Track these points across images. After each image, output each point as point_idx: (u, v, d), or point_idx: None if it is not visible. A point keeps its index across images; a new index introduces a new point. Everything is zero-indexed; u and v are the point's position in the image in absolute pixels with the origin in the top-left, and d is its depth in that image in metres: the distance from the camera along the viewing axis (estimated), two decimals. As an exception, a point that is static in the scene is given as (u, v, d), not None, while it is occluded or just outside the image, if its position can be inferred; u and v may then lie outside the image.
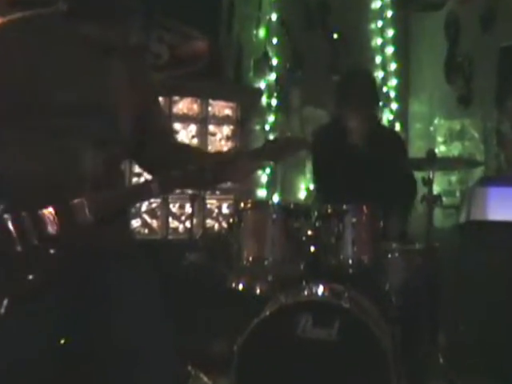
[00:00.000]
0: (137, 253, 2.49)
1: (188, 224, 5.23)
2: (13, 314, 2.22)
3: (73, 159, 2.31)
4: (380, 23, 6.57)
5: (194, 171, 2.43)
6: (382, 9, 6.58)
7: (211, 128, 5.98)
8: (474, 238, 3.47)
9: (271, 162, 4.58)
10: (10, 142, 2.31)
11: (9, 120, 2.29)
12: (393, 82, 6.46)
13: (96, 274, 2.38)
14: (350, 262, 3.96)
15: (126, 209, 2.54)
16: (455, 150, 6.26)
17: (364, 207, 4.01)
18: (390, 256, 4.15)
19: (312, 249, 3.97)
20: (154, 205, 5.62)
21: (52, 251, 2.25)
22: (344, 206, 3.97)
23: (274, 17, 5.99)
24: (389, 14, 6.58)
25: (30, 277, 2.23)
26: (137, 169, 5.50)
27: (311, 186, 5.67)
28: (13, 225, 2.23)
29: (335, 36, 6.26)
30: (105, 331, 2.38)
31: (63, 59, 2.32)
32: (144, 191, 2.41)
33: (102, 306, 2.38)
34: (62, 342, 2.41)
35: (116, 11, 2.38)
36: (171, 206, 5.74)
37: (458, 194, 5.99)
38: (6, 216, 2.23)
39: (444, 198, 4.72)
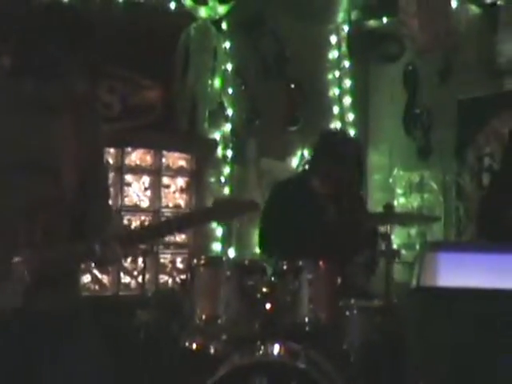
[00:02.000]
0: (81, 316, 2.41)
1: (140, 280, 5.12)
2: None
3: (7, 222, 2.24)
4: (337, 73, 6.54)
5: (139, 232, 2.43)
6: (339, 59, 6.55)
7: (165, 180, 5.88)
8: (424, 304, 3.47)
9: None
10: None
11: None
12: (351, 132, 6.40)
13: (30, 344, 2.29)
14: (307, 320, 3.88)
15: (71, 269, 2.44)
16: (414, 202, 6.24)
17: (320, 263, 3.94)
18: (348, 313, 4.06)
19: (267, 306, 3.88)
20: (105, 259, 5.46)
21: None
22: (300, 263, 3.89)
23: (229, 67, 5.93)
24: (346, 64, 6.55)
25: None
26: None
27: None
28: None
29: (292, 86, 6.22)
30: None
31: (4, 119, 2.30)
32: (86, 252, 2.33)
33: (35, 377, 2.29)
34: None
35: (60, 66, 2.33)
36: (123, 260, 5.58)
37: (417, 247, 5.95)
38: None
39: (403, 252, 4.67)
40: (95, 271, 5.45)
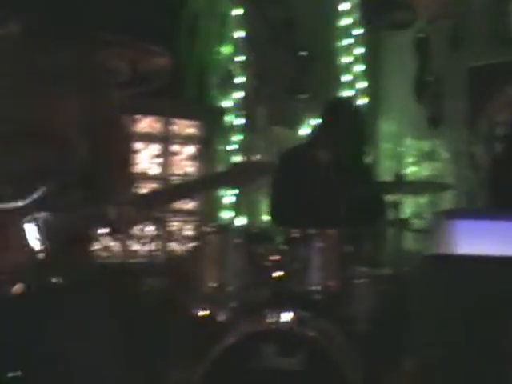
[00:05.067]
0: (94, 283, 2.39)
1: (149, 247, 5.12)
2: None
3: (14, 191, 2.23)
4: (348, 41, 6.49)
5: (151, 196, 2.38)
6: (351, 26, 6.49)
7: (174, 147, 5.86)
8: (440, 271, 3.46)
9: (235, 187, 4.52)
10: None
11: None
12: (362, 101, 6.36)
13: (43, 310, 2.27)
14: (316, 288, 3.86)
15: (85, 235, 2.40)
16: (425, 171, 6.21)
17: (331, 231, 3.91)
18: (357, 282, 4.05)
19: (277, 274, 3.87)
20: (114, 227, 5.45)
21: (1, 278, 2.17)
22: (310, 231, 3.87)
23: (238, 34, 5.89)
24: (357, 31, 6.49)
25: None
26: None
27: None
28: None
29: (302, 54, 6.18)
30: (46, 371, 2.27)
31: (11, 87, 2.26)
32: (98, 215, 2.30)
33: (46, 343, 2.27)
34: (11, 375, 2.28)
35: (73, 30, 2.30)
36: (137, 225, 5.57)
37: (427, 216, 5.93)
38: None
39: (413, 221, 4.65)
40: (104, 239, 5.46)
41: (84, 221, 2.33)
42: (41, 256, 2.20)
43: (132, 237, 5.57)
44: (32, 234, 2.19)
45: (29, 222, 2.20)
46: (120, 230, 2.38)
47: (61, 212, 2.25)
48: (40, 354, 2.28)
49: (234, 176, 2.39)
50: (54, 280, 2.26)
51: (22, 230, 2.19)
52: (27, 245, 2.19)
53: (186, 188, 2.46)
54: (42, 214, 2.22)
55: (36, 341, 2.27)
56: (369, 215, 4.47)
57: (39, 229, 2.20)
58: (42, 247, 2.20)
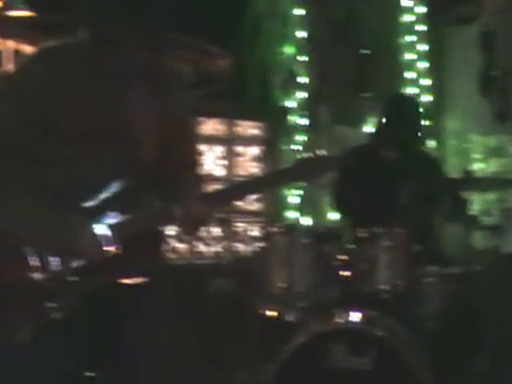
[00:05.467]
0: (163, 284, 2.43)
1: (215, 248, 5.14)
2: (37, 343, 2.19)
3: (88, 190, 2.27)
4: (411, 38, 6.44)
5: (218, 193, 2.40)
6: (414, 23, 6.44)
7: (238, 149, 5.89)
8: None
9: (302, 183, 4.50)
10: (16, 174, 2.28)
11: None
12: (426, 98, 6.30)
13: (114, 310, 2.32)
14: (385, 287, 3.83)
15: (154, 235, 2.43)
16: (492, 167, 6.12)
17: (398, 230, 3.88)
18: (426, 281, 4.00)
19: (344, 274, 3.86)
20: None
21: (74, 279, 2.21)
22: (377, 229, 3.85)
23: (300, 34, 5.89)
24: (421, 28, 6.44)
25: (52, 305, 2.19)
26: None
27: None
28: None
29: (364, 52, 6.15)
30: (117, 372, 2.33)
31: (84, 90, 2.31)
32: (164, 213, 2.33)
33: (121, 344, 2.32)
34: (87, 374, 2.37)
35: (139, 33, 2.29)
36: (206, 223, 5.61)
37: (496, 213, 5.84)
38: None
39: (482, 218, 4.58)
40: (171, 240, 5.51)
41: (153, 221, 2.36)
42: (111, 256, 2.23)
43: (198, 238, 5.61)
44: (103, 235, 2.22)
45: (99, 222, 2.23)
46: (187, 230, 2.41)
47: (130, 212, 2.28)
48: (112, 354, 2.32)
49: (300, 171, 2.39)
50: (124, 280, 2.29)
51: (93, 231, 2.22)
52: (98, 245, 2.22)
53: (253, 185, 2.48)
54: (113, 214, 2.25)
55: (108, 341, 2.31)
56: (438, 213, 4.42)
57: (110, 229, 2.23)
58: (113, 247, 2.23)
